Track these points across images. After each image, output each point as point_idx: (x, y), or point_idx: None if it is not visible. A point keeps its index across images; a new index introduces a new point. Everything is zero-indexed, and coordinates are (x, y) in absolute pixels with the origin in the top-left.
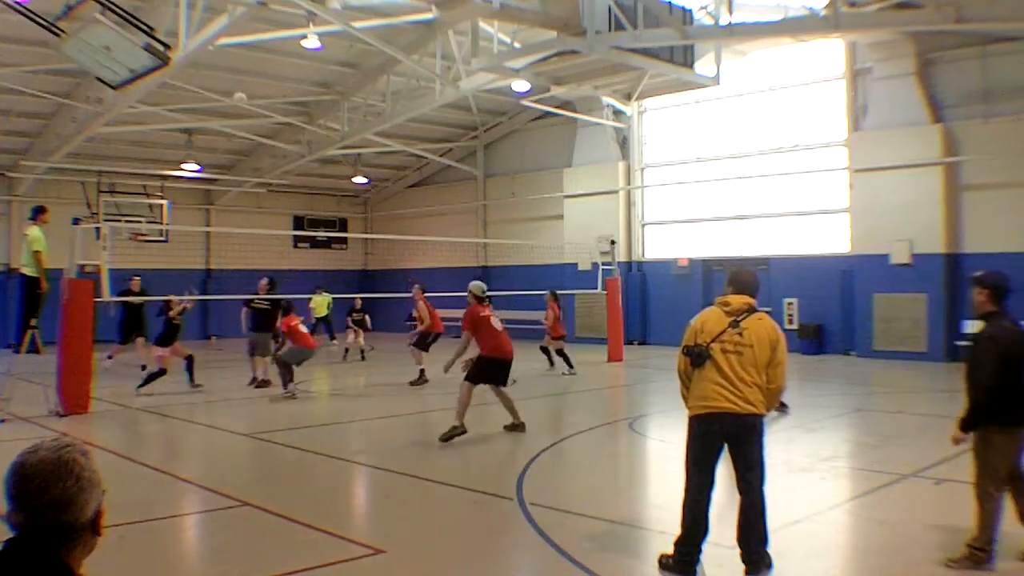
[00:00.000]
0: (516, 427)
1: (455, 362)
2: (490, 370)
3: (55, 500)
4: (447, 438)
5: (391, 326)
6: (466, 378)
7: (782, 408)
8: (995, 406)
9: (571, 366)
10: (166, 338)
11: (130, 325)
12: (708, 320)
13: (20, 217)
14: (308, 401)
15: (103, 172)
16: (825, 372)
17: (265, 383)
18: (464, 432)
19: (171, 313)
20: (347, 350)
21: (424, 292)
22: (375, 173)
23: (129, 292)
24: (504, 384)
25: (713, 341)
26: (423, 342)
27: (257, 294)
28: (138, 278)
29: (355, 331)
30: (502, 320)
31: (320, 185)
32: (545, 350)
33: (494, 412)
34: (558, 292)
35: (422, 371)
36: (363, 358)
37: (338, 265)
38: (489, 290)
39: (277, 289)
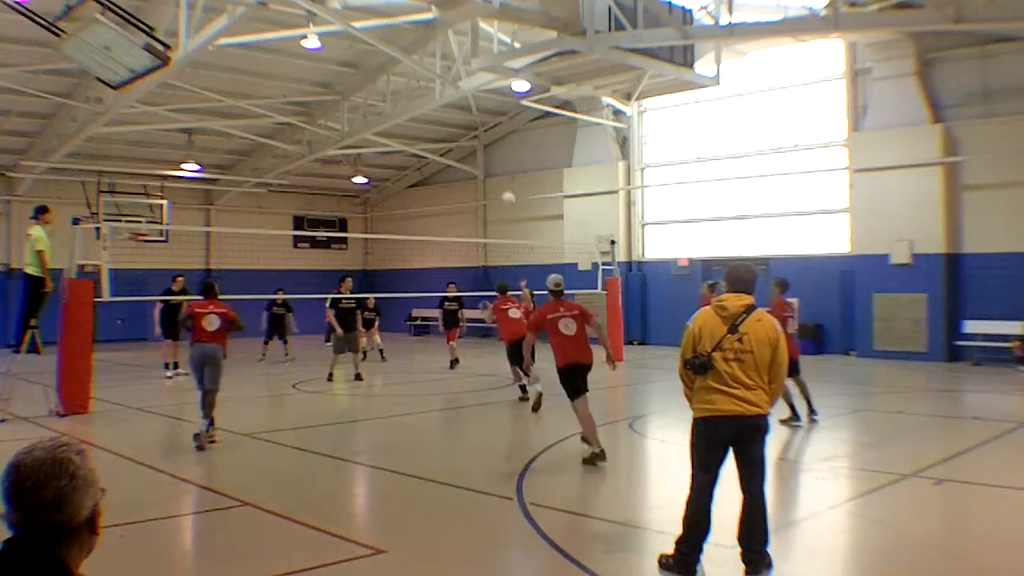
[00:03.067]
0: (592, 453)
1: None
2: (572, 379)
3: (49, 499)
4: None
5: (392, 326)
6: (569, 396)
7: (795, 418)
8: None
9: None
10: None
11: (173, 324)
12: (705, 325)
13: (20, 217)
14: (310, 400)
15: (103, 172)
16: (825, 372)
17: (359, 377)
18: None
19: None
20: (364, 352)
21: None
22: (375, 173)
23: (171, 292)
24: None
25: (714, 350)
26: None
27: (341, 293)
28: (181, 278)
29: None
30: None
31: (320, 185)
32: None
33: (494, 412)
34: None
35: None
36: (383, 358)
37: (338, 265)
38: (489, 290)
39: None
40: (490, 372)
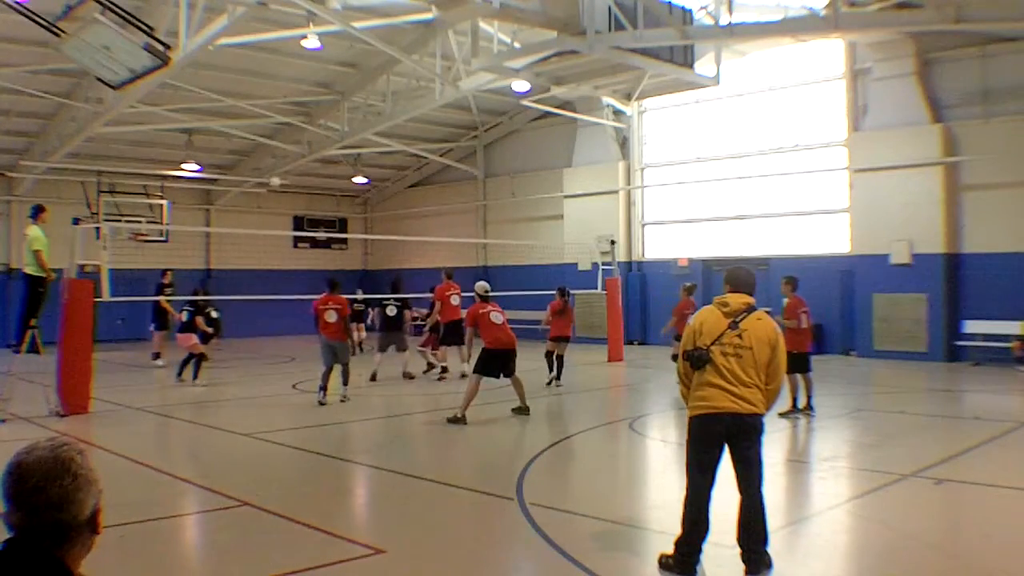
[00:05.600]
0: (521, 410)
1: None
2: (494, 361)
3: (52, 499)
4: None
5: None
6: (474, 370)
7: (795, 411)
8: None
9: (551, 372)
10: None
11: (163, 316)
12: (706, 321)
13: (20, 217)
14: (309, 400)
15: (103, 172)
16: (825, 372)
17: (410, 375)
18: (464, 423)
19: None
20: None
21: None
22: (375, 173)
23: (162, 285)
24: (511, 373)
25: (713, 344)
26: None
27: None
28: (171, 271)
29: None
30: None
31: (320, 185)
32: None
33: (496, 412)
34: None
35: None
36: (360, 351)
37: (338, 265)
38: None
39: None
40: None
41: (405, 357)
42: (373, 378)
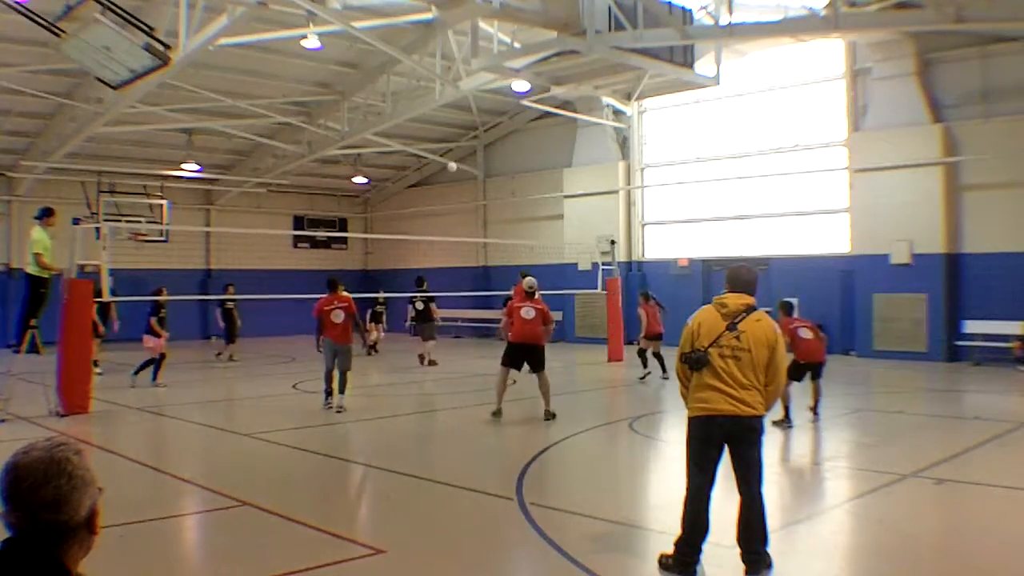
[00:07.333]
0: (547, 415)
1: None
2: (514, 353)
3: (48, 499)
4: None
5: (391, 326)
6: (501, 363)
7: (787, 421)
8: None
9: (664, 369)
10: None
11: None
12: (704, 322)
13: (20, 217)
14: (310, 400)
15: (103, 172)
16: (825, 372)
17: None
18: (499, 414)
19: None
20: (370, 345)
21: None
22: (375, 173)
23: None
24: (539, 369)
25: (711, 346)
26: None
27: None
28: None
29: (372, 325)
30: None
31: (320, 185)
32: (642, 352)
33: (491, 411)
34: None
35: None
36: (375, 351)
37: (338, 265)
38: (489, 290)
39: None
40: (488, 372)
41: (429, 346)
42: (432, 362)
